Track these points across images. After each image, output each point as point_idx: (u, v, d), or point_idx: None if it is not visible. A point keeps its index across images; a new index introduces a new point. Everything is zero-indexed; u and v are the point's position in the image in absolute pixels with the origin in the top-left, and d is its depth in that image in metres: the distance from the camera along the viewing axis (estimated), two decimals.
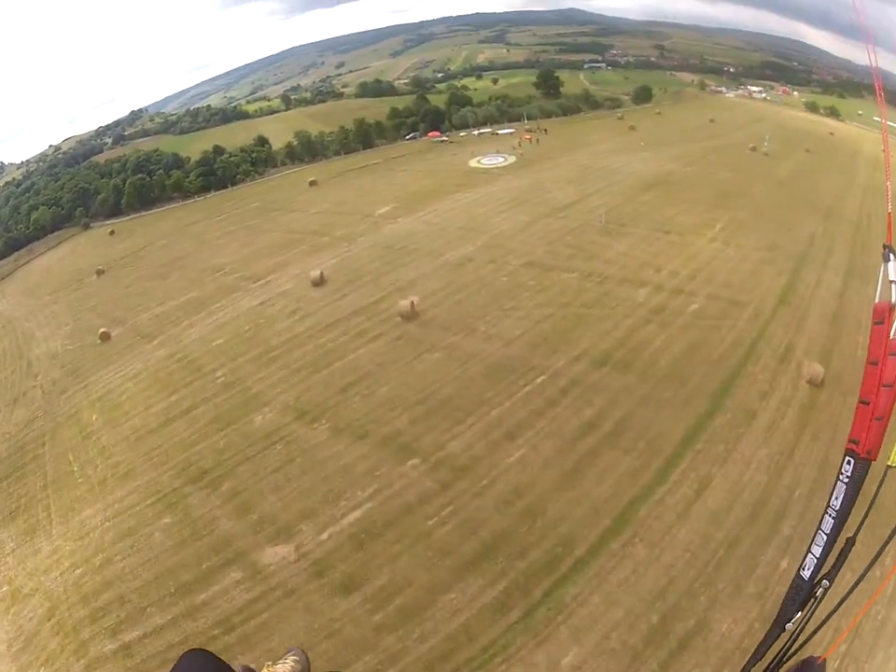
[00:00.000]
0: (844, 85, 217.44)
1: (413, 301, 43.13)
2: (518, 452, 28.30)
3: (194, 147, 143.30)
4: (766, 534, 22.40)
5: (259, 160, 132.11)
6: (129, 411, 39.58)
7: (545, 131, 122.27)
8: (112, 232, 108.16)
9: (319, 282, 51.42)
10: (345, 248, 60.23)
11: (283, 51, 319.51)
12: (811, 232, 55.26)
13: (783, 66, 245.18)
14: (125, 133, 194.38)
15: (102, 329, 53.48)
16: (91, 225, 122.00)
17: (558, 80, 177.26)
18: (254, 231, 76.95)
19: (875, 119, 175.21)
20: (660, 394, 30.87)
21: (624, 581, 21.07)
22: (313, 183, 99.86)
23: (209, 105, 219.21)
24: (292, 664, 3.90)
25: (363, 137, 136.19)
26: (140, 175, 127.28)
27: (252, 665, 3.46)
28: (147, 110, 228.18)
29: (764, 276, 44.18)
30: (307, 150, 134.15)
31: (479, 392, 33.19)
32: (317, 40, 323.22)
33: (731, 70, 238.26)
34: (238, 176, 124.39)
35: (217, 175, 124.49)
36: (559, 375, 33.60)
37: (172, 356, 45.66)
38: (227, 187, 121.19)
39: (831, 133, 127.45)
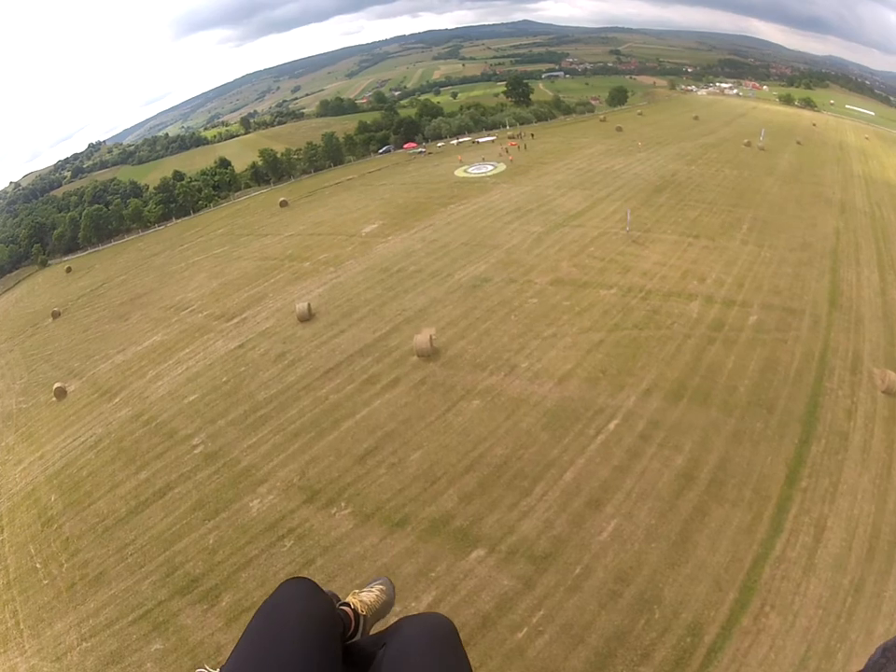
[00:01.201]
0: (804, 76, 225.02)
1: (431, 335, 35.90)
2: (610, 524, 22.62)
3: (153, 175, 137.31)
4: (885, 568, 20.72)
5: (221, 183, 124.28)
6: (91, 491, 31.40)
7: (532, 136, 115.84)
8: (69, 269, 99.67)
9: (307, 316, 43.19)
10: (332, 274, 52.06)
11: (238, 79, 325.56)
12: (834, 227, 54.91)
13: (740, 63, 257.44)
14: (84, 166, 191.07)
15: (56, 385, 45.37)
16: (49, 262, 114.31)
17: (528, 88, 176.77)
18: (222, 259, 68.37)
19: (848, 107, 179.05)
20: (751, 426, 27.20)
21: (764, 659, 18.02)
22: (283, 204, 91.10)
23: (167, 133, 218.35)
24: (378, 592, 3.65)
25: (332, 153, 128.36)
26: (96, 206, 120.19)
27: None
28: (105, 143, 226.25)
29: (808, 279, 42.62)
30: (273, 170, 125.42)
31: (541, 449, 26.87)
32: (272, 66, 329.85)
33: (689, 70, 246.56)
34: (200, 202, 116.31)
35: (178, 201, 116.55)
36: (634, 416, 28.27)
37: (137, 417, 37.41)
38: (189, 214, 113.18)
39: (813, 125, 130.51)
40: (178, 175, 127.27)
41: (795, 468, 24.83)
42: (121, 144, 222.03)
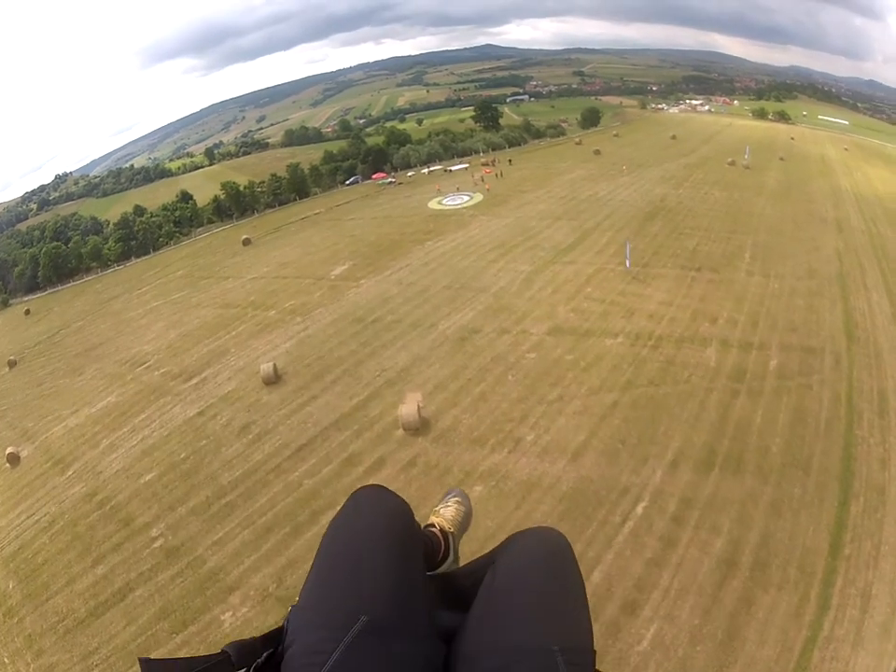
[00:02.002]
0: (771, 89, 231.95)
1: (418, 404, 31.10)
2: (650, 630, 19.40)
3: (116, 208, 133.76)
4: None
5: (182, 218, 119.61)
6: (48, 583, 27.30)
7: (510, 161, 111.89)
8: (28, 312, 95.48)
9: (273, 379, 38.04)
10: (300, 325, 46.89)
11: (204, 108, 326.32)
12: (835, 248, 53.19)
13: (704, 79, 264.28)
14: (50, 198, 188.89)
15: (9, 450, 40.96)
16: (11, 302, 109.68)
17: (497, 112, 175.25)
18: (181, 306, 62.95)
19: (821, 117, 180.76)
20: (789, 493, 24.63)
21: None
22: (246, 242, 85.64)
23: (132, 165, 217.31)
24: (455, 505, 3.70)
25: (298, 185, 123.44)
26: (55, 244, 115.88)
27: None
28: (71, 174, 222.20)
29: (821, 310, 40.47)
30: (236, 204, 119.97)
31: None
32: (237, 95, 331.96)
33: (654, 88, 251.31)
34: (160, 239, 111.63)
35: (138, 238, 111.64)
36: (663, 495, 24.80)
37: (91, 496, 32.74)
38: (149, 252, 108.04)
39: (792, 139, 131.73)
40: (139, 210, 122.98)
41: (837, 534, 22.63)
42: (88, 176, 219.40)
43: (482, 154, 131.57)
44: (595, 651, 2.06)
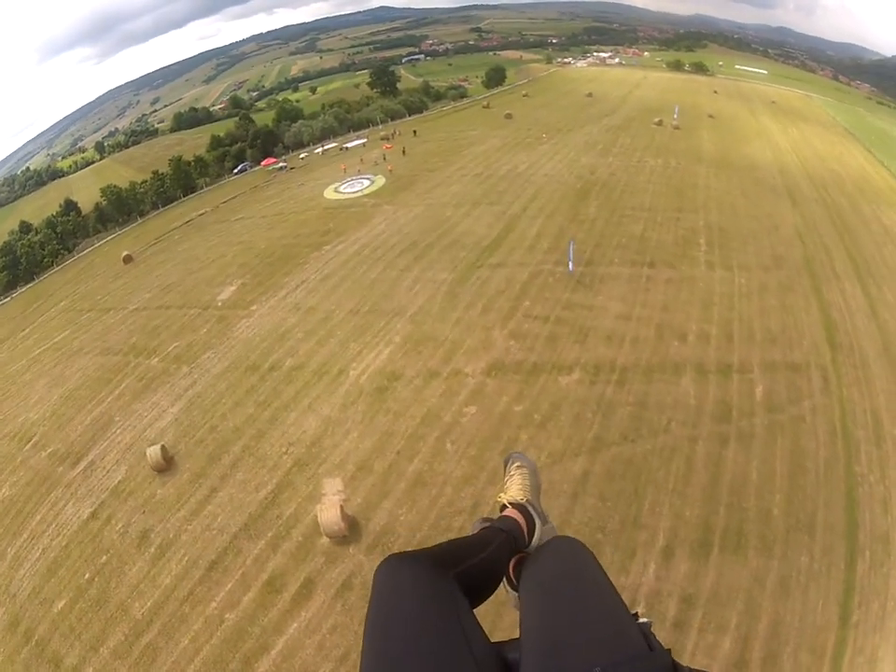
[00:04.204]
0: (681, 38, 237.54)
1: (341, 504, 25.52)
2: None
3: (10, 222, 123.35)
4: None
5: (65, 232, 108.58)
6: None
7: (414, 133, 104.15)
8: None
9: (164, 466, 31.79)
10: (187, 379, 39.95)
11: (99, 97, 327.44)
12: (794, 226, 52.38)
13: (605, 29, 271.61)
14: None
15: None
16: None
17: (394, 76, 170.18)
18: (62, 353, 53.63)
19: (738, 67, 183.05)
20: (796, 565, 22.92)
21: None
22: (127, 259, 76.15)
23: (28, 168, 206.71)
24: (517, 473, 3.68)
25: (183, 180, 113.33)
26: None
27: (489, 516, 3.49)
28: None
29: (797, 311, 38.77)
30: (119, 209, 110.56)
31: None
32: (132, 79, 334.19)
33: (554, 41, 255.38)
34: (45, 260, 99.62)
35: (22, 264, 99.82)
36: (660, 597, 21.85)
37: (13, 626, 27.05)
38: (33, 279, 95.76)
39: (715, 92, 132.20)
40: (25, 227, 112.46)
41: (846, 602, 21.70)
42: None
43: (380, 126, 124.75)
44: (648, 648, 2.05)
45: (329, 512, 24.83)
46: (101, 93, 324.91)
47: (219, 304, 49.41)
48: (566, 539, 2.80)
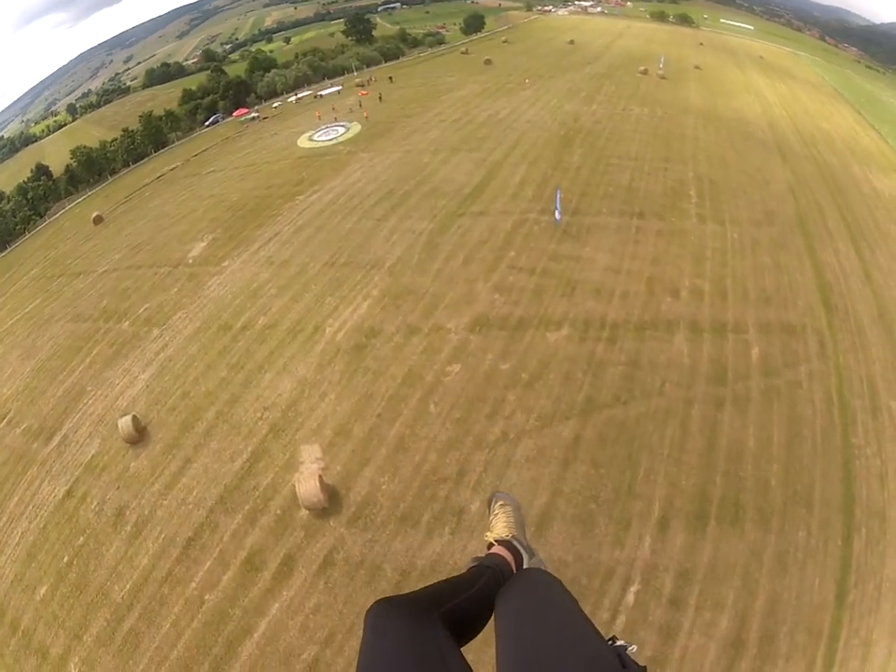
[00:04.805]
0: None
1: (319, 474, 24.16)
2: None
3: None
4: None
5: (36, 197, 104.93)
6: None
7: (390, 79, 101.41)
8: None
9: (136, 437, 30.25)
10: (158, 343, 38.15)
11: (73, 59, 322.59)
12: (786, 182, 51.30)
13: None
14: None
15: None
16: None
17: (370, 24, 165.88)
18: (34, 322, 51.39)
19: (723, 21, 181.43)
20: (793, 539, 22.31)
21: None
22: (97, 220, 73.48)
23: (1, 136, 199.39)
24: (501, 512, 3.80)
25: (154, 136, 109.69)
26: None
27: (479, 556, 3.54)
28: None
29: (791, 270, 37.63)
30: (89, 170, 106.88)
31: None
32: (105, 39, 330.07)
33: None
34: (17, 227, 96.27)
35: None
36: (657, 571, 21.06)
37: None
38: (5, 248, 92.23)
39: (701, 44, 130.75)
40: None
41: (842, 580, 21.34)
42: None
43: (356, 73, 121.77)
44: (622, 667, 2.10)
45: (307, 483, 23.52)
46: (74, 56, 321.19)
47: (190, 262, 47.46)
48: (536, 570, 2.95)
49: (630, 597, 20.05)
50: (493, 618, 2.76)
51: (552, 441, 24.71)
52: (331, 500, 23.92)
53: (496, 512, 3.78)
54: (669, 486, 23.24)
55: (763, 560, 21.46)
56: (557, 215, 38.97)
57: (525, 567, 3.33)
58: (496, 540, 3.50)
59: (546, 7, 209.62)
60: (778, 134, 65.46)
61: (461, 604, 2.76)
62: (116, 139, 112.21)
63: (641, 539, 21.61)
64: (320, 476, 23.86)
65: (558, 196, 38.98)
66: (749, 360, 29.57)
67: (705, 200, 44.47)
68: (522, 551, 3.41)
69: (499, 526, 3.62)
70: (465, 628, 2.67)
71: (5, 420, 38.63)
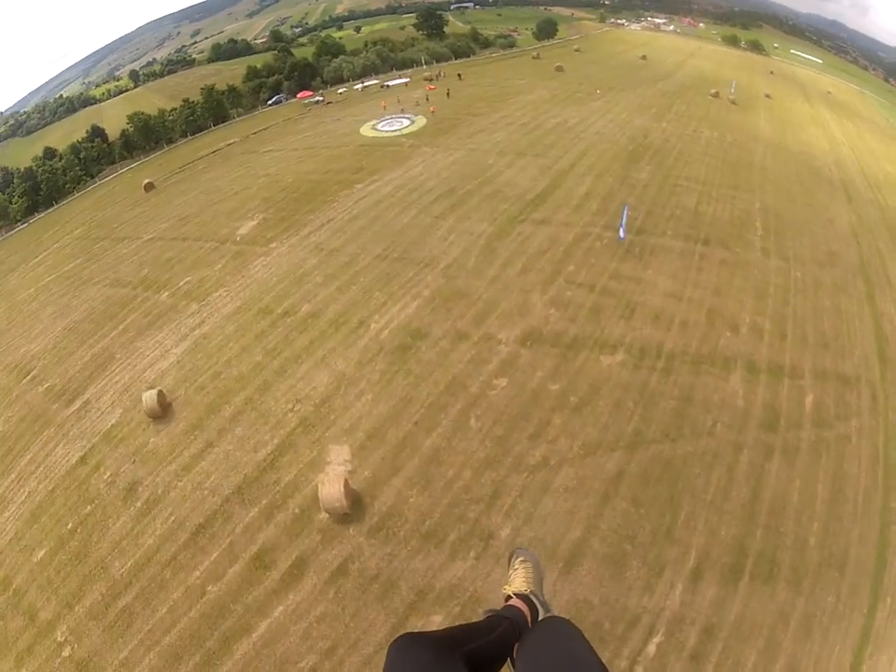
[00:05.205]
0: (737, 15, 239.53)
1: (345, 478, 22.83)
2: None
3: (34, 150, 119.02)
4: None
5: (88, 159, 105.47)
6: None
7: (459, 76, 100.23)
8: None
9: (160, 413, 29.31)
10: (195, 318, 37.34)
11: (139, 27, 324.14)
12: (850, 224, 48.99)
13: None
14: None
15: None
16: None
17: (442, 19, 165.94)
18: (72, 283, 51.10)
19: (793, 52, 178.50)
20: (822, 604, 20.78)
21: None
22: (148, 187, 73.32)
23: (61, 95, 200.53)
24: (521, 567, 3.82)
25: (214, 109, 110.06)
26: None
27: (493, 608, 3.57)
28: (4, 114, 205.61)
29: (850, 316, 35.83)
30: (145, 137, 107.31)
31: None
32: (173, 11, 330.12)
33: (606, 2, 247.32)
34: (67, 186, 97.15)
35: (43, 190, 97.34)
36: (683, 624, 19.55)
37: None
38: (52, 204, 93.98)
39: (771, 72, 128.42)
40: (49, 153, 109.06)
41: (860, 651, 19.92)
42: (19, 113, 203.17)
43: (424, 66, 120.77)
44: None
45: (331, 486, 22.21)
46: (141, 24, 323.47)
47: (237, 239, 46.68)
48: (559, 619, 2.94)
49: (651, 648, 18.79)
50: (512, 666, 2.88)
51: (593, 473, 23.32)
52: (354, 506, 22.74)
53: (515, 567, 3.78)
54: (708, 535, 21.87)
55: (789, 622, 20.24)
56: (622, 232, 37.34)
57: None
58: (514, 594, 3.51)
59: (619, 21, 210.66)
60: (844, 173, 63.51)
61: (481, 647, 2.78)
62: (175, 109, 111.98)
63: (672, 588, 20.31)
64: (346, 480, 22.58)
65: (625, 213, 37.53)
66: (802, 408, 28.01)
67: (770, 233, 42.77)
68: (539, 606, 3.42)
69: (518, 581, 3.62)
70: (482, 670, 2.69)
71: (29, 376, 38.30)
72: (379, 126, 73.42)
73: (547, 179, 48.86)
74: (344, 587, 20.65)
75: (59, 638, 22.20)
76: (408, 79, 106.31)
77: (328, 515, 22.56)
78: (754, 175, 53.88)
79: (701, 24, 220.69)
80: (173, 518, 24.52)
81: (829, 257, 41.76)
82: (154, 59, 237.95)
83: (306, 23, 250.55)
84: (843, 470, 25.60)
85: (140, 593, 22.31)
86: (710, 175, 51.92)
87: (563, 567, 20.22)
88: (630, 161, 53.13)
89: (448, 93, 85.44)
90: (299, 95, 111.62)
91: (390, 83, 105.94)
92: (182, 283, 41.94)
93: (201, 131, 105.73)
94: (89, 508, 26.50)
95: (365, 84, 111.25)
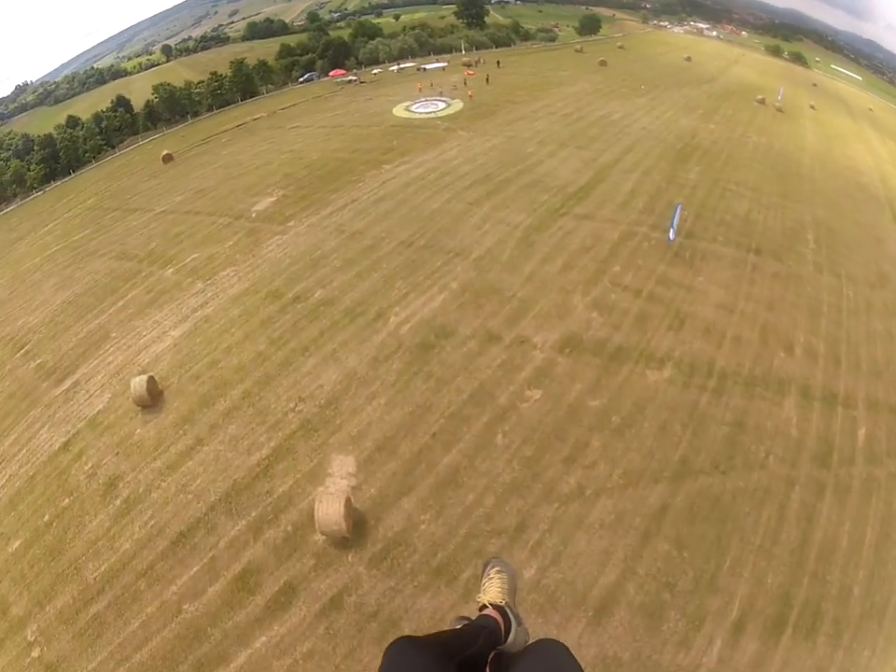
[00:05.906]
0: (777, 27, 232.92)
1: (348, 496, 19.85)
2: None
3: (58, 119, 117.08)
4: None
5: (110, 129, 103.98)
6: None
7: (497, 63, 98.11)
8: None
9: (149, 402, 26.83)
10: (198, 299, 34.80)
11: (176, 5, 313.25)
12: None
13: (699, 4, 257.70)
14: (6, 112, 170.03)
15: None
16: None
17: (483, 8, 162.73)
18: (77, 253, 49.34)
19: (834, 67, 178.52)
20: (857, 659, 18.10)
21: None
22: (167, 158, 71.58)
23: (93, 67, 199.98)
24: (496, 577, 3.69)
25: (243, 84, 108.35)
26: None
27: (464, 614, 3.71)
28: (32, 83, 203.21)
29: None
30: (170, 108, 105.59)
31: None
32: None
33: (647, 6, 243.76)
34: (86, 154, 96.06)
35: (61, 159, 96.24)
36: None
37: None
38: (70, 173, 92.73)
39: (814, 85, 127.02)
40: (71, 122, 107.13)
41: None
42: (50, 83, 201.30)
43: (464, 53, 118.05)
44: None
45: (330, 503, 19.23)
46: (179, 2, 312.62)
47: (253, 216, 44.35)
48: (553, 643, 2.78)
49: None
50: None
51: (634, 506, 20.46)
52: (355, 529, 19.91)
53: (490, 577, 3.66)
54: (755, 583, 19.25)
55: None
56: (672, 233, 34.45)
57: (512, 633, 3.16)
58: (489, 603, 3.40)
59: (661, 23, 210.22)
60: (891, 192, 60.49)
61: (471, 656, 2.77)
62: (202, 81, 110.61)
63: (711, 643, 17.65)
64: (348, 498, 19.61)
65: (677, 213, 34.66)
66: (855, 442, 25.27)
67: (822, 247, 40.07)
68: (512, 618, 3.29)
69: (493, 591, 3.50)
70: None
71: (23, 350, 36.69)
72: (413, 108, 71.55)
73: (591, 172, 46.39)
74: (337, 622, 18.02)
75: (29, 637, 20.45)
76: (446, 64, 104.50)
77: (324, 537, 19.78)
78: (803, 186, 51.36)
79: (744, 32, 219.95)
80: (152, 522, 22.08)
81: (879, 278, 38.97)
82: (190, 36, 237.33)
83: (345, 9, 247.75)
84: (892, 512, 23.19)
85: (113, 601, 20.24)
86: (759, 181, 49.40)
87: (592, 616, 17.47)
88: (677, 160, 50.66)
89: (487, 79, 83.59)
90: (331, 73, 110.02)
91: (428, 66, 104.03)
92: (189, 259, 39.66)
93: (228, 105, 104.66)
94: (67, 500, 24.41)
95: (401, 66, 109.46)
